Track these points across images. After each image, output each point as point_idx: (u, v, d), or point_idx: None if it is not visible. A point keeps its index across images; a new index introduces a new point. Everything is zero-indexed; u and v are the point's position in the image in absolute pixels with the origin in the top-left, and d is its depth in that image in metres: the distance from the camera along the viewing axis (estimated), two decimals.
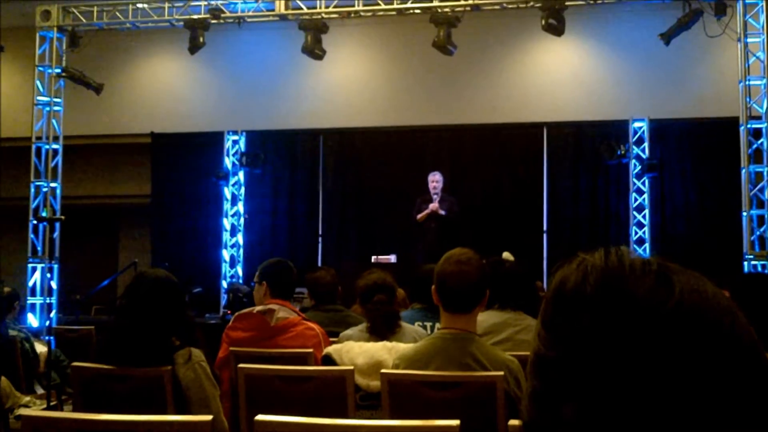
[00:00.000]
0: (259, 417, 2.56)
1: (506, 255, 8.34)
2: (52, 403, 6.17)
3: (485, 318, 4.21)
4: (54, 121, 11.50)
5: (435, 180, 10.48)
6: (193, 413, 3.43)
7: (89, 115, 12.70)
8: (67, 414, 3.34)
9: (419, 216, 10.42)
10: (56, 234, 11.08)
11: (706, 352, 0.73)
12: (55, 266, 11.20)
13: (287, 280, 4.99)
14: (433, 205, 10.36)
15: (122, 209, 14.34)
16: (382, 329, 4.25)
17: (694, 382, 0.72)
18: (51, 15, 11.39)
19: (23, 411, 3.81)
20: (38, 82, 11.46)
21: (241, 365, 3.89)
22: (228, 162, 13.06)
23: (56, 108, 11.54)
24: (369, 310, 4.37)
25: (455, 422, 2.48)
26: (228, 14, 11.07)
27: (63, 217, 9.89)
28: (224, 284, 12.72)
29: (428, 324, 4.78)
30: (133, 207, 13.89)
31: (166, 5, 11.25)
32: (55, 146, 11.49)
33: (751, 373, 0.74)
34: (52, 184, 11.40)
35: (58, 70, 11.44)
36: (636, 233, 11.75)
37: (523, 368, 3.43)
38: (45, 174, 11.38)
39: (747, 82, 9.56)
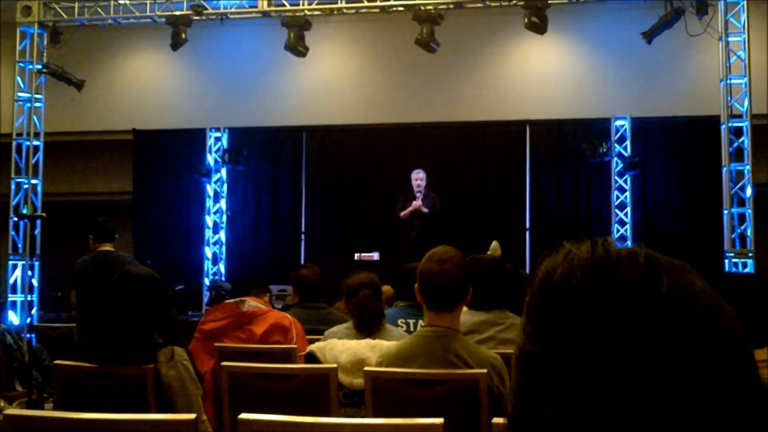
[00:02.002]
0: (243, 415, 2.56)
1: (495, 245, 8.35)
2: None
3: (468, 317, 4.21)
4: (35, 117, 11.43)
5: (419, 178, 10.44)
6: (176, 411, 3.42)
7: (70, 112, 12.62)
8: (49, 413, 3.32)
9: (402, 213, 10.39)
10: (37, 231, 11.01)
11: (694, 345, 0.72)
12: (36, 263, 11.13)
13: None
14: (416, 203, 10.34)
15: (104, 206, 14.24)
16: (368, 325, 4.24)
17: (682, 375, 0.71)
18: (32, 11, 11.32)
19: (7, 410, 3.79)
20: (19, 78, 11.38)
21: (224, 363, 3.88)
22: (210, 159, 13.01)
23: (37, 104, 11.47)
24: (355, 305, 4.37)
25: (439, 420, 2.49)
26: (210, 11, 11.03)
27: (44, 215, 9.82)
28: (206, 282, 12.68)
29: (411, 321, 4.79)
30: (115, 204, 13.80)
31: (148, 1, 11.20)
32: (36, 143, 11.43)
33: (738, 366, 0.73)
34: (33, 181, 11.33)
35: (39, 66, 11.37)
36: (618, 231, 11.80)
37: (507, 366, 3.45)
38: (26, 171, 11.31)
39: (728, 81, 9.62)
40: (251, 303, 4.80)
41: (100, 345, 3.58)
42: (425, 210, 10.35)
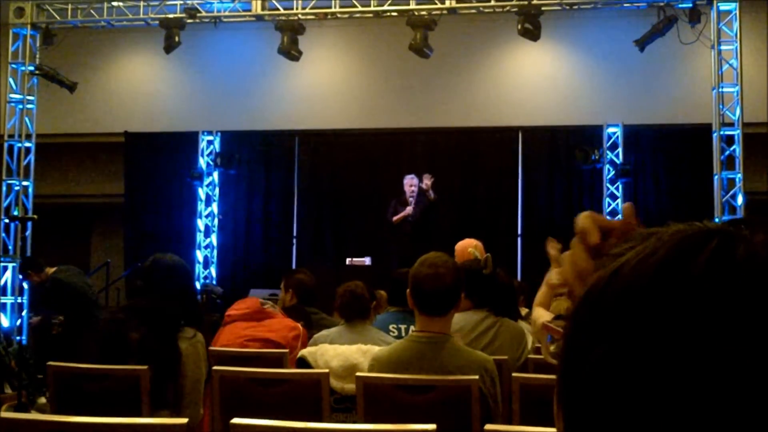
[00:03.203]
0: (235, 420, 2.55)
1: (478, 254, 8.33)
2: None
3: (457, 320, 4.22)
4: (27, 119, 11.40)
5: (412, 184, 10.32)
6: (184, 388, 3.58)
7: (62, 114, 12.59)
8: (42, 416, 3.31)
9: (394, 219, 10.34)
10: (28, 233, 10.97)
11: None
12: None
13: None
14: (408, 209, 10.27)
15: (95, 209, 14.23)
16: (355, 310, 4.44)
17: None
18: (25, 12, 11.29)
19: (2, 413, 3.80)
20: (11, 80, 11.35)
21: (216, 367, 3.88)
22: (202, 162, 12.99)
23: (29, 106, 11.43)
24: (339, 296, 4.59)
25: (431, 426, 2.48)
26: (204, 14, 11.02)
27: (35, 217, 9.80)
28: (198, 285, 12.64)
29: (402, 327, 4.79)
30: (106, 207, 13.78)
31: (142, 4, 11.18)
32: (27, 144, 11.39)
33: None
34: (24, 183, 11.29)
35: (32, 68, 11.33)
36: None
37: (498, 370, 3.46)
38: (17, 172, 11.27)
39: (720, 89, 9.66)
40: (270, 306, 5.03)
41: (121, 335, 3.63)
42: (431, 195, 10.19)
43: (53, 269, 8.12)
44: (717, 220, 9.50)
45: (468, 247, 5.91)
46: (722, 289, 0.62)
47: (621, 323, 0.63)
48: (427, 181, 10.17)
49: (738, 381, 0.58)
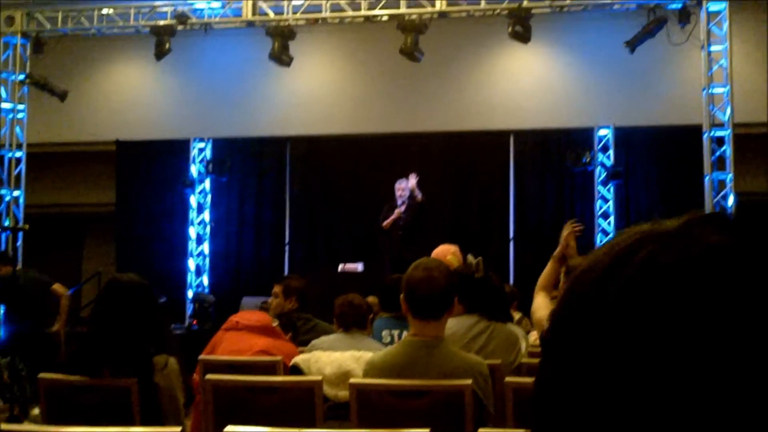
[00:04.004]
0: (228, 428, 2.54)
1: (470, 258, 8.34)
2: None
3: (450, 324, 4.22)
4: (17, 128, 11.37)
5: (401, 188, 10.33)
6: (165, 418, 3.44)
7: (53, 122, 12.56)
8: (36, 427, 3.29)
9: (384, 223, 10.33)
10: (19, 243, 10.93)
11: None
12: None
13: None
14: (398, 211, 10.26)
15: (86, 218, 14.20)
16: (351, 320, 4.44)
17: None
18: (15, 21, 11.26)
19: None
20: (2, 89, 11.32)
21: (209, 376, 3.86)
22: (194, 170, 12.97)
23: (20, 115, 11.41)
24: (337, 306, 4.52)
25: (425, 431, 2.48)
26: (194, 20, 11.01)
27: (27, 226, 9.76)
28: (190, 294, 12.61)
29: (395, 332, 4.79)
30: (98, 215, 13.75)
31: (132, 11, 11.16)
32: (18, 154, 11.36)
33: None
34: (15, 193, 11.25)
35: (22, 77, 11.31)
36: (601, 240, 11.82)
37: (491, 374, 3.46)
38: (8, 182, 11.24)
39: (710, 90, 9.67)
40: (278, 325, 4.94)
41: (91, 355, 3.55)
42: (416, 193, 10.21)
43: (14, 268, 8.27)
44: None
45: (446, 254, 5.91)
46: (641, 305, 0.62)
47: (562, 343, 0.65)
48: (412, 180, 10.16)
49: (660, 400, 0.59)
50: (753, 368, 0.58)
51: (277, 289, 5.88)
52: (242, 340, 4.66)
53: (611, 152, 11.90)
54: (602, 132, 11.97)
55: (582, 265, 0.69)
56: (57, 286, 8.89)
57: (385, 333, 4.78)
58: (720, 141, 9.65)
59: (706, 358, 0.59)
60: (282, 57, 10.64)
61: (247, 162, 13.05)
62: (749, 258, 0.62)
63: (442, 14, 10.50)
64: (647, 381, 0.60)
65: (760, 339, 0.59)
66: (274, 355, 4.52)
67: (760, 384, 0.58)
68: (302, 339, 4.91)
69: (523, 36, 9.93)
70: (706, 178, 9.61)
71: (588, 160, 11.61)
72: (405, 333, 3.91)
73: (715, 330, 0.59)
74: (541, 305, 4.26)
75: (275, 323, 4.83)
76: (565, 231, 4.43)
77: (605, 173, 11.82)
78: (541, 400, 0.66)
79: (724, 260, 0.62)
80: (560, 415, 0.64)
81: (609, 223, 11.85)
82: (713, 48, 9.71)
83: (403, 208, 10.25)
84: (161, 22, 10.92)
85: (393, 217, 10.22)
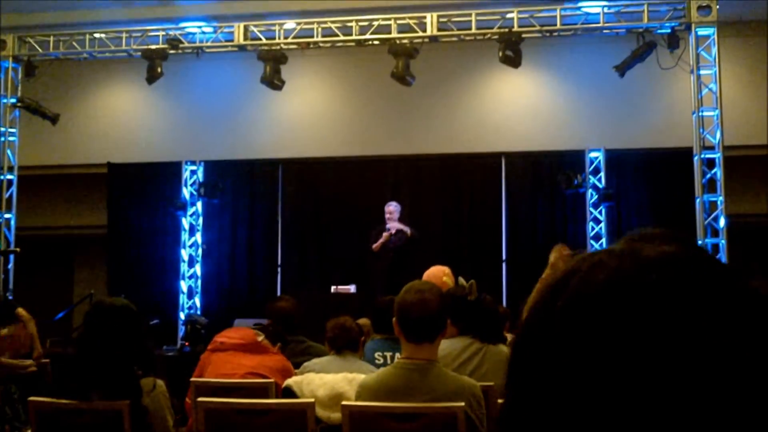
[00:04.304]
0: None
1: (461, 281, 8.35)
2: None
3: (443, 346, 4.22)
4: (9, 151, 11.36)
5: (389, 211, 10.44)
6: None
7: (45, 146, 12.56)
8: None
9: (374, 246, 10.37)
10: (10, 266, 10.89)
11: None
12: (9, 298, 10.98)
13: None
14: (386, 234, 10.31)
15: (78, 240, 14.16)
16: (344, 343, 4.41)
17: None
18: (6, 44, 11.27)
19: None
20: None
21: (200, 399, 3.84)
22: (186, 192, 12.96)
23: (11, 138, 11.39)
24: (329, 329, 4.55)
25: None
26: (186, 44, 11.04)
27: (18, 249, 9.73)
28: (182, 316, 12.58)
29: (388, 354, 4.78)
30: (89, 238, 13.72)
31: (124, 35, 11.19)
32: (9, 177, 11.34)
33: None
34: (6, 216, 11.22)
35: (14, 100, 11.31)
36: None
37: (484, 397, 3.45)
38: (0, 205, 11.21)
39: (700, 113, 9.73)
40: (264, 339, 4.84)
41: (78, 378, 3.53)
42: (401, 228, 10.31)
43: None
44: (700, 242, 9.54)
45: (441, 275, 5.92)
46: (577, 321, 0.66)
47: (519, 365, 0.72)
48: (396, 225, 10.34)
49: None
50: (686, 379, 0.61)
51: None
52: (229, 361, 4.63)
53: (602, 174, 11.94)
54: (593, 155, 12.01)
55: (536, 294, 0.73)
56: (20, 310, 8.45)
57: (377, 355, 4.78)
58: (711, 163, 9.70)
59: (637, 369, 0.62)
60: (274, 81, 10.68)
61: (238, 184, 13.06)
62: (679, 265, 0.66)
63: (433, 38, 10.56)
64: (583, 399, 0.63)
65: (692, 347, 0.62)
66: (263, 374, 4.52)
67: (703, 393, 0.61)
68: (295, 361, 4.89)
69: (513, 60, 9.99)
70: (698, 201, 9.66)
71: (579, 182, 11.65)
72: (398, 355, 3.90)
73: (646, 339, 0.63)
74: None
75: (260, 338, 4.78)
76: (553, 255, 4.44)
77: (597, 195, 11.86)
78: (505, 421, 0.71)
79: (655, 270, 0.65)
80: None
81: (601, 245, 11.86)
82: (702, 72, 9.78)
83: (393, 230, 10.29)
84: (153, 47, 10.94)
85: (381, 240, 10.27)
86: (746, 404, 0.61)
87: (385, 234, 10.29)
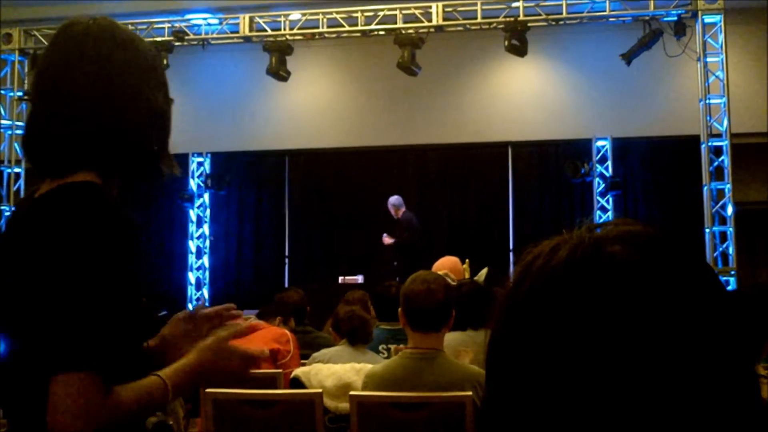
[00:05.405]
0: None
1: (483, 272, 8.42)
2: None
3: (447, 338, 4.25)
4: (16, 144, 11.38)
5: (389, 207, 10.82)
6: None
7: None
8: None
9: (385, 242, 10.76)
10: None
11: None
12: None
13: None
14: (386, 240, 10.69)
15: None
16: (361, 336, 4.42)
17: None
18: (12, 38, 11.29)
19: None
20: (0, 106, 11.34)
21: (207, 389, 3.86)
22: (193, 184, 12.98)
23: (18, 131, 11.41)
24: (345, 320, 4.48)
25: None
26: (192, 36, 11.05)
27: None
28: (190, 307, 12.61)
29: (392, 346, 4.79)
30: None
31: (129, 27, 11.16)
32: (17, 170, 11.37)
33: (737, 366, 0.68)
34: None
35: (20, 93, 11.33)
36: None
37: None
38: (7, 198, 11.25)
39: (707, 101, 9.70)
40: (253, 318, 4.89)
41: None
42: (391, 240, 10.58)
43: None
44: (707, 230, 9.53)
45: (455, 265, 5.94)
46: (532, 303, 0.71)
47: (494, 355, 0.74)
48: (386, 240, 10.79)
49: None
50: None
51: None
52: None
53: (609, 163, 11.92)
54: (600, 143, 11.99)
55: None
56: None
57: (382, 348, 4.79)
58: (718, 151, 9.67)
59: (598, 342, 0.66)
60: (280, 72, 10.68)
61: (245, 176, 13.08)
62: (636, 240, 0.72)
63: (439, 28, 10.54)
64: (553, 380, 0.66)
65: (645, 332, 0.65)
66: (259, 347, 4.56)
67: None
68: (303, 352, 4.91)
69: (519, 49, 9.97)
70: (705, 188, 9.62)
71: (586, 171, 11.63)
72: (403, 347, 3.92)
73: (606, 311, 0.66)
74: None
75: (251, 319, 4.79)
76: None
77: (604, 184, 11.84)
78: (485, 411, 0.74)
79: (612, 242, 0.71)
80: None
81: None
82: (709, 59, 9.74)
83: (386, 243, 10.78)
84: (159, 39, 10.94)
85: (391, 241, 10.56)
86: (703, 371, 0.65)
87: (385, 240, 10.65)
